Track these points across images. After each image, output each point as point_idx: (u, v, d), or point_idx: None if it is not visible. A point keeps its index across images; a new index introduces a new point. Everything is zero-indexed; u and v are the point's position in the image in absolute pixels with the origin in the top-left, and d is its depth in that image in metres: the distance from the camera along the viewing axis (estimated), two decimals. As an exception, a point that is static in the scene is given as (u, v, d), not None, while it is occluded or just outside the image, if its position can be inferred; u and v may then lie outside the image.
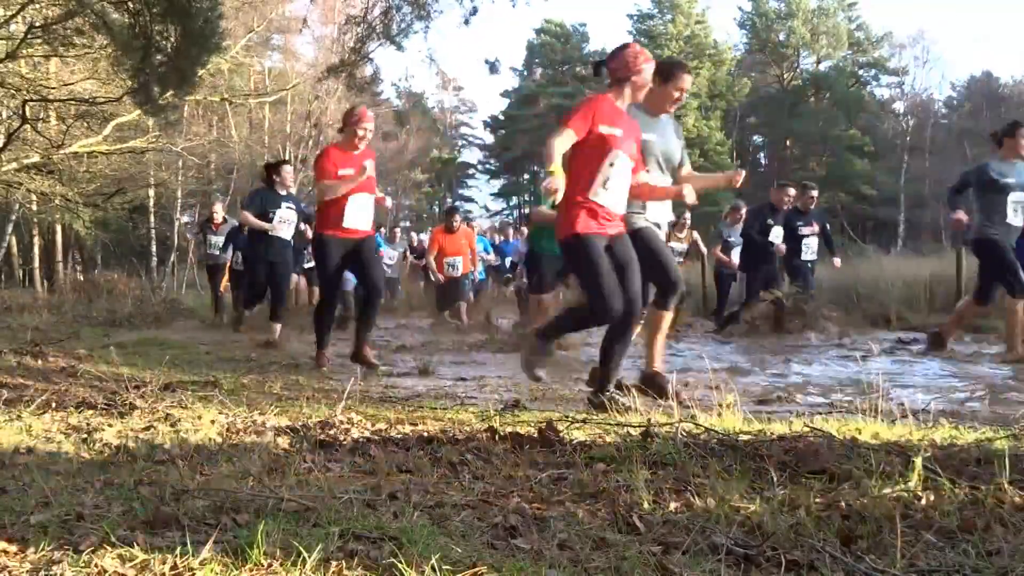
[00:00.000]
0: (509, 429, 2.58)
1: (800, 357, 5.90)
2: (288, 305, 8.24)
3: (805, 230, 7.86)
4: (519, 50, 64.49)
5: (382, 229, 11.19)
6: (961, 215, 5.61)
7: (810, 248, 7.96)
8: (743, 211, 9.09)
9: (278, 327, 6.65)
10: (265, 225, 6.69)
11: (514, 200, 45.52)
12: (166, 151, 17.45)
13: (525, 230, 13.94)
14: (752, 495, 1.89)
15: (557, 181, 3.25)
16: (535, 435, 2.49)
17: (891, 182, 36.51)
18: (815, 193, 8.05)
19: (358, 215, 4.99)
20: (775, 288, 7.73)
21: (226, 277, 10.07)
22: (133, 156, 15.52)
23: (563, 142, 3.35)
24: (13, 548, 1.47)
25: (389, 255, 12.01)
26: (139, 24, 7.39)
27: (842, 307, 9.77)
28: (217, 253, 10.04)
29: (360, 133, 4.94)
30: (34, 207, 16.35)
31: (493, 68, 10.52)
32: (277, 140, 26.52)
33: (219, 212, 10.36)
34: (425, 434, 2.57)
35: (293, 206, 6.94)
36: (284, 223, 6.80)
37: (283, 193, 6.87)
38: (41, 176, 14.30)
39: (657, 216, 3.92)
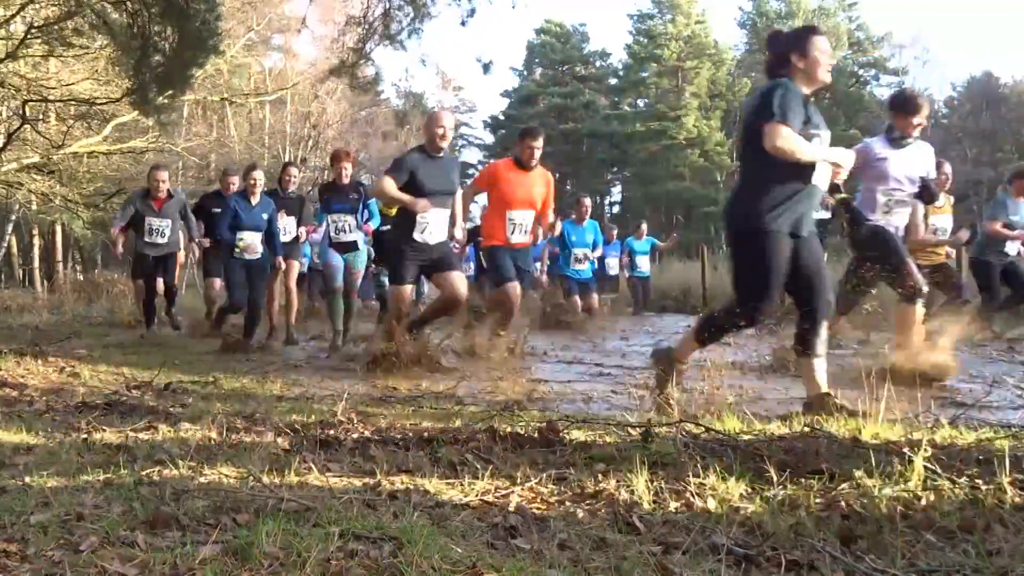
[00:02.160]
0: (509, 429, 2.58)
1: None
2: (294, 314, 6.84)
3: None
4: (519, 50, 64.61)
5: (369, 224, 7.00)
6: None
7: None
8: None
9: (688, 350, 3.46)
10: (812, 151, 3.19)
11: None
12: (166, 151, 17.45)
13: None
14: (752, 495, 1.89)
15: None
16: (535, 435, 2.49)
17: (891, 182, 36.47)
18: None
19: None
20: None
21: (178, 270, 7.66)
22: (133, 156, 15.52)
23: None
24: (13, 548, 1.47)
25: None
26: (137, 24, 7.40)
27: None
28: (163, 242, 7.14)
29: None
30: (34, 207, 16.36)
31: (487, 69, 10.45)
32: (277, 140, 26.54)
33: (164, 181, 7.17)
34: (425, 434, 2.56)
35: None
36: None
37: None
38: (41, 176, 14.31)
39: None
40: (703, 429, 2.45)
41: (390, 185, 4.80)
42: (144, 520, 1.65)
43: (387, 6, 8.46)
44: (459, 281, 5.03)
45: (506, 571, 1.41)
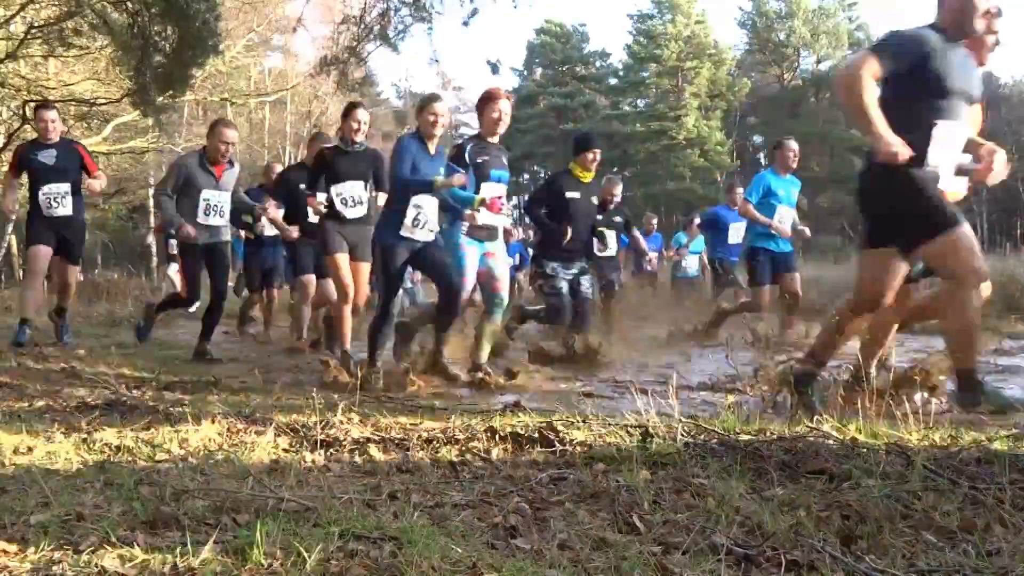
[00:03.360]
0: (509, 429, 2.58)
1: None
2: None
3: None
4: (519, 50, 64.56)
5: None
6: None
7: None
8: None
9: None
10: None
11: (514, 200, 45.53)
12: (166, 151, 17.46)
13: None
14: (752, 495, 1.89)
15: None
16: (535, 435, 2.49)
17: (891, 182, 36.48)
18: None
19: None
20: None
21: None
22: (133, 156, 15.54)
23: None
24: (13, 548, 1.47)
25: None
26: (138, 24, 7.40)
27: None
28: (220, 223, 5.34)
29: None
30: (34, 207, 16.34)
31: (495, 69, 10.47)
32: (277, 140, 26.55)
33: (233, 143, 5.34)
34: (425, 434, 2.56)
35: None
36: None
37: None
38: (41, 176, 14.29)
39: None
40: (703, 429, 2.45)
41: (868, 81, 2.84)
42: (144, 520, 1.65)
43: (385, 6, 8.47)
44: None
45: (506, 571, 1.41)
